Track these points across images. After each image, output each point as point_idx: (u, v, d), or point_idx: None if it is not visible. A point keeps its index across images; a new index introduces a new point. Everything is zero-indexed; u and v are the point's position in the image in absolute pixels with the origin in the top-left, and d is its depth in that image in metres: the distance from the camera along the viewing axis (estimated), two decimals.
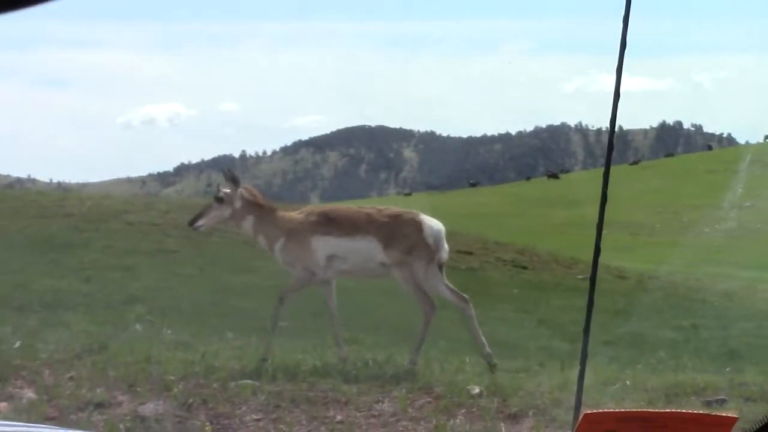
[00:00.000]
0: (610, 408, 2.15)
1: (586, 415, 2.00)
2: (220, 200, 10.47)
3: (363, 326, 13.16)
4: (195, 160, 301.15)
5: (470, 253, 24.96)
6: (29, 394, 8.65)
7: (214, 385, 8.94)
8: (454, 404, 8.70)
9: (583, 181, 63.11)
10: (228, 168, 10.98)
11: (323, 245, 10.27)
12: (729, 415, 2.03)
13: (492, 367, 10.19)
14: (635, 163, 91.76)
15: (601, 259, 3.14)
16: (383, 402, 8.76)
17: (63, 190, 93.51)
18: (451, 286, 10.45)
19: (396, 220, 10.29)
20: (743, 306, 21.47)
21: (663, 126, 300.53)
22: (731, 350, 14.40)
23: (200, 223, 10.56)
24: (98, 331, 11.54)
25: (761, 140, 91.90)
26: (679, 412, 2.03)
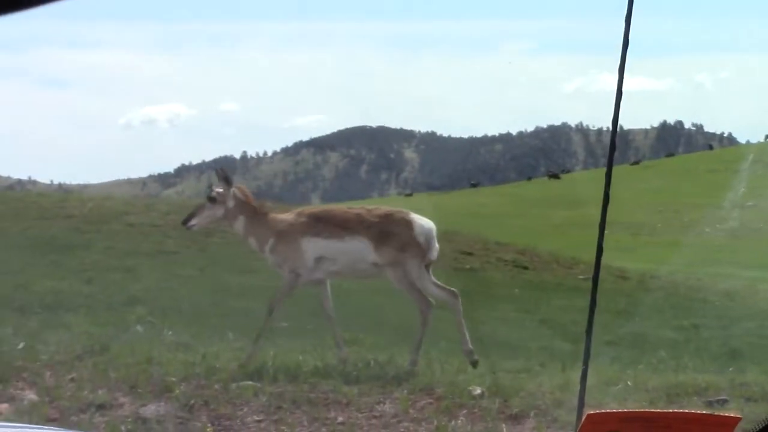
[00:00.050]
0: (612, 408, 2.15)
1: (589, 415, 1.99)
2: (212, 200, 10.47)
3: (363, 327, 13.15)
4: (196, 161, 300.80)
5: (471, 254, 24.94)
6: (30, 395, 8.65)
7: (216, 386, 8.95)
8: (456, 405, 8.70)
9: (584, 182, 63.07)
10: (221, 168, 10.98)
11: (312, 247, 10.26)
12: (732, 415, 2.03)
13: (473, 364, 10.18)
14: (636, 163, 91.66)
15: (603, 260, 3.13)
16: (384, 403, 8.76)
17: (64, 191, 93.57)
18: (438, 282, 10.44)
19: (386, 219, 10.28)
20: (745, 306, 21.44)
21: (664, 126, 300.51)
22: (732, 350, 14.39)
23: (193, 222, 10.57)
24: (99, 332, 11.54)
25: (762, 140, 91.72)
26: (682, 413, 2.03)
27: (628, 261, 27.64)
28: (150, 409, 8.36)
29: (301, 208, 11.25)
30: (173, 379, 9.05)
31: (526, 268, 24.79)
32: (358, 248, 10.20)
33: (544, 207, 53.04)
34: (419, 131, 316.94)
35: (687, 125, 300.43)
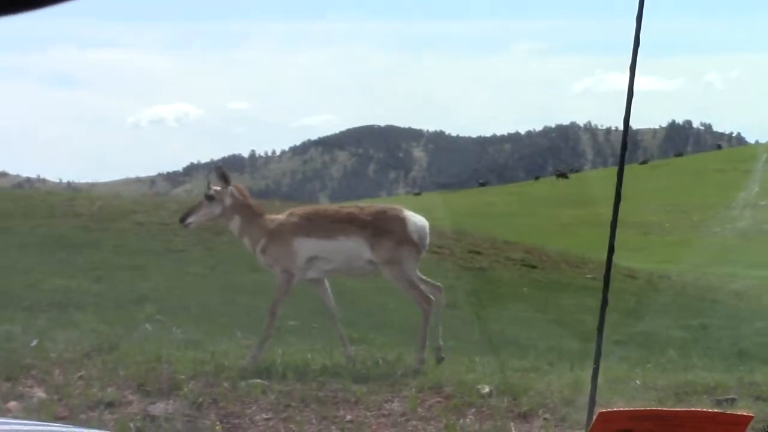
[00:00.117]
0: (621, 407, 2.14)
1: (600, 413, 1.99)
2: (210, 198, 10.46)
3: (372, 326, 13.16)
4: (204, 159, 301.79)
5: (479, 253, 24.93)
6: (39, 393, 8.66)
7: (224, 384, 8.95)
8: (464, 404, 8.69)
9: (593, 181, 63.11)
10: (219, 166, 10.97)
11: (305, 247, 10.25)
12: (743, 413, 2.03)
13: (438, 361, 10.18)
14: (644, 162, 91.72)
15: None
16: (393, 401, 8.76)
17: (72, 189, 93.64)
18: (423, 276, 10.45)
19: (380, 217, 10.27)
20: (754, 305, 21.44)
21: (672, 125, 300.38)
22: (741, 350, 14.38)
23: (190, 220, 10.57)
24: (108, 330, 11.55)
25: None
26: (693, 411, 2.02)
27: (637, 261, 27.66)
28: (159, 407, 8.37)
29: (292, 208, 11.26)
30: (182, 377, 9.05)
31: (534, 267, 24.77)
32: (353, 247, 10.19)
33: (552, 206, 53.09)
34: (428, 130, 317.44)
35: (696, 125, 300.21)
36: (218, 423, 8.11)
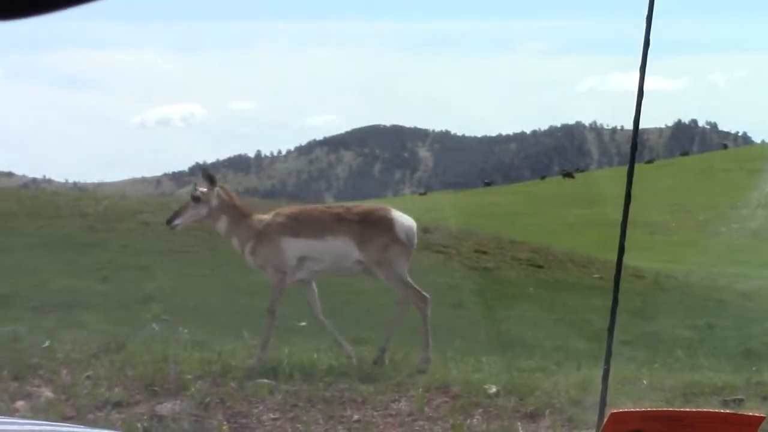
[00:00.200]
0: (628, 407, 2.14)
1: (612, 414, 1.99)
2: (196, 199, 10.45)
3: (378, 325, 13.14)
4: (210, 159, 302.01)
5: (485, 252, 24.90)
6: (47, 393, 8.68)
7: (231, 384, 8.95)
8: (471, 404, 8.69)
9: (599, 180, 63.00)
10: (204, 168, 10.99)
11: (293, 247, 10.23)
12: (755, 414, 2.02)
13: (378, 358, 10.19)
14: (650, 161, 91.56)
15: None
16: (400, 401, 8.77)
17: (78, 189, 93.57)
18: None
19: (367, 217, 10.26)
20: (760, 305, 21.41)
21: (678, 125, 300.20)
22: (748, 350, 14.37)
23: (177, 221, 10.55)
24: (115, 330, 11.56)
25: None
26: (704, 412, 2.02)
27: (643, 260, 27.60)
28: (166, 407, 8.38)
29: (278, 208, 11.25)
30: (189, 377, 9.06)
31: (540, 266, 24.74)
32: (341, 247, 10.17)
33: (558, 205, 53.05)
34: (433, 130, 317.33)
35: (701, 124, 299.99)
36: (225, 423, 8.12)
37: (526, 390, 9.00)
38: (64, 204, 25.80)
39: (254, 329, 11.97)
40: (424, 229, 25.49)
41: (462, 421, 8.23)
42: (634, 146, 2.87)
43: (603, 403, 2.92)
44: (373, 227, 10.16)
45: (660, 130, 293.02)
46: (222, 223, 10.48)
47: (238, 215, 10.47)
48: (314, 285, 10.48)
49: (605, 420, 2.01)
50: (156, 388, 8.79)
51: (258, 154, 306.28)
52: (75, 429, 3.72)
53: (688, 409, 2.01)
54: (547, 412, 8.47)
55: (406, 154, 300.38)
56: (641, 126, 2.97)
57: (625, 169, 3.03)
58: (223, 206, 10.44)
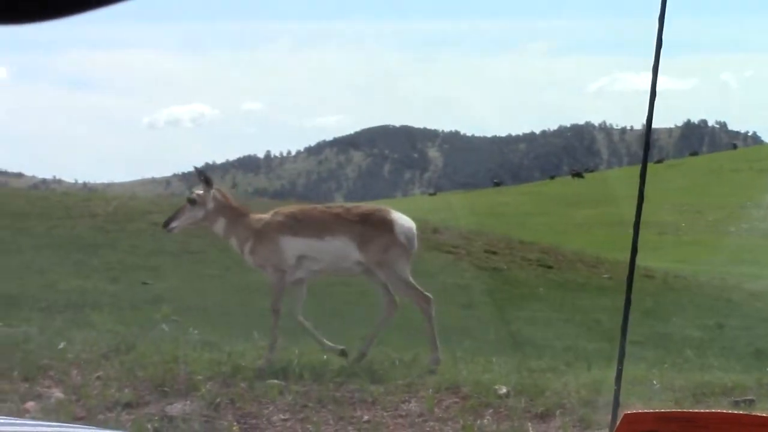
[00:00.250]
0: (639, 408, 2.14)
1: (626, 415, 1.98)
2: (192, 202, 10.42)
3: (389, 326, 13.14)
4: (220, 160, 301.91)
5: (495, 253, 24.90)
6: (57, 393, 8.69)
7: (241, 384, 8.95)
8: (482, 404, 8.68)
9: (608, 180, 62.98)
10: (200, 170, 10.95)
11: (292, 246, 10.21)
12: None
13: (342, 354, 10.19)
14: (660, 161, 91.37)
15: (628, 259, 3.11)
16: (410, 402, 8.76)
17: (88, 190, 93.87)
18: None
19: (366, 219, 10.24)
20: None
21: (688, 124, 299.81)
22: (759, 350, 14.33)
23: (174, 224, 10.54)
24: (125, 331, 11.56)
25: None
26: (719, 413, 2.01)
27: (653, 260, 27.57)
28: (176, 408, 8.39)
29: (277, 208, 11.25)
30: (199, 377, 9.06)
31: (550, 267, 24.73)
32: (340, 247, 10.15)
33: (567, 206, 53.03)
34: (442, 130, 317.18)
35: (711, 124, 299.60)
36: (235, 423, 8.12)
37: (537, 390, 8.98)
38: (73, 204, 25.85)
39: (264, 330, 11.95)
40: (433, 230, 25.53)
41: (472, 421, 8.23)
42: (647, 146, 2.86)
43: (616, 404, 2.90)
44: (373, 229, 10.14)
45: (669, 130, 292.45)
46: (219, 225, 10.46)
47: (235, 216, 10.44)
48: (305, 287, 10.47)
49: (618, 421, 2.00)
50: (166, 389, 8.80)
51: (267, 155, 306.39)
52: (85, 430, 3.72)
53: (702, 410, 2.01)
54: (557, 412, 8.46)
55: (415, 155, 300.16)
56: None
57: (634, 168, 3.03)
58: (219, 208, 10.41)
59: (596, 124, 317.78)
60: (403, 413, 8.51)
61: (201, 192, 10.43)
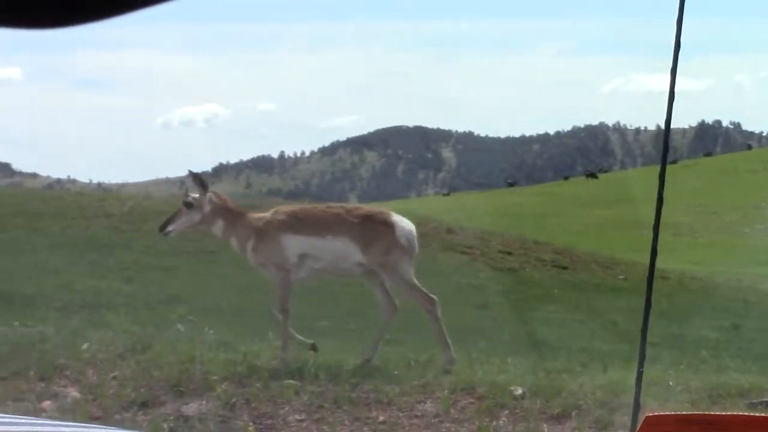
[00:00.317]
0: (655, 410, 2.14)
1: (647, 417, 1.98)
2: (189, 205, 10.43)
3: (404, 327, 13.14)
4: (233, 160, 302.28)
5: (510, 253, 24.89)
6: (73, 393, 8.71)
7: (257, 385, 8.96)
8: (497, 405, 8.67)
9: (622, 181, 62.85)
10: (196, 173, 10.96)
11: (294, 244, 10.21)
12: None
13: (313, 348, 10.20)
14: (674, 162, 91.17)
15: (642, 259, 3.11)
16: (426, 403, 8.76)
17: (103, 190, 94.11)
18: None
19: (367, 221, 10.24)
20: None
21: (702, 125, 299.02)
22: None
23: (170, 228, 10.55)
24: (140, 331, 11.58)
25: None
26: (741, 415, 2.01)
27: (668, 261, 27.52)
28: (192, 408, 8.40)
29: (277, 206, 11.27)
30: (215, 377, 9.08)
31: (565, 268, 24.71)
32: (341, 247, 10.15)
33: (581, 206, 52.98)
34: (456, 131, 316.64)
35: (725, 124, 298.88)
36: (251, 424, 8.13)
37: (552, 391, 8.97)
38: (88, 204, 25.92)
39: (279, 330, 11.99)
40: (448, 230, 25.55)
41: (488, 422, 8.22)
42: (666, 148, 2.86)
43: (636, 406, 2.90)
44: (374, 231, 10.15)
45: (684, 131, 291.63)
46: (218, 227, 10.46)
47: (233, 217, 10.45)
48: (295, 287, 10.52)
49: (640, 423, 2.00)
50: (182, 389, 8.81)
51: (281, 155, 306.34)
52: (102, 429, 3.73)
53: (723, 413, 2.01)
54: (573, 413, 8.45)
55: (429, 155, 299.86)
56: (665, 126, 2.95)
57: (648, 169, 3.03)
58: (216, 210, 10.41)
59: (610, 124, 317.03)
60: (419, 414, 8.51)
61: (197, 195, 10.44)
